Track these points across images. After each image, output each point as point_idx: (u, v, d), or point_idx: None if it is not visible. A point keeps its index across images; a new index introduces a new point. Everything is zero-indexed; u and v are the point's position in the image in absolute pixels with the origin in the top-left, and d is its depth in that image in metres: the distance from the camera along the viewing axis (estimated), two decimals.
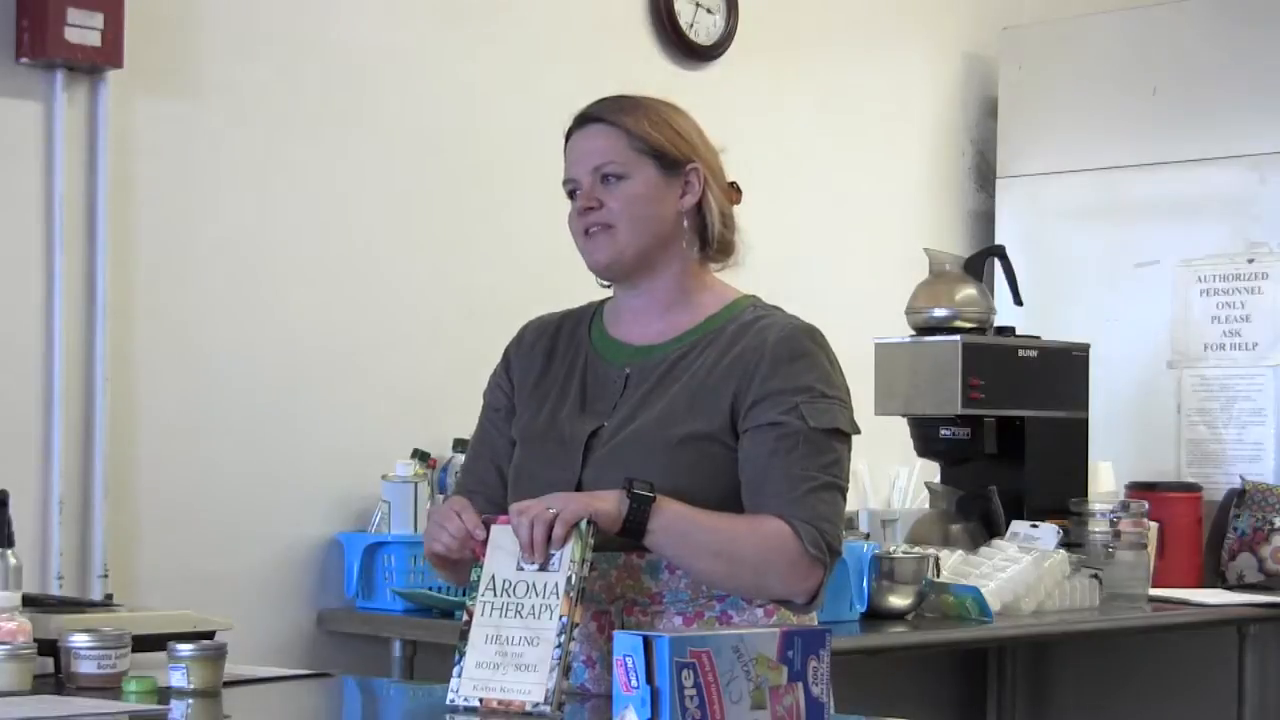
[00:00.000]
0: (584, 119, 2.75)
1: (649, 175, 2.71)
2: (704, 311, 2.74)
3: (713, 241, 2.75)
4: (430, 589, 4.12)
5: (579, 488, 2.62)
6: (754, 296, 2.78)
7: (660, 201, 2.71)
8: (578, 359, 2.77)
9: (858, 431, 2.68)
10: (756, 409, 2.62)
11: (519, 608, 2.49)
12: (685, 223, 2.73)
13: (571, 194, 2.74)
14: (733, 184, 2.79)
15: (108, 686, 2.65)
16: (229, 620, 3.01)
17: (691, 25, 4.97)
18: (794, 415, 2.60)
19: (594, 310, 2.83)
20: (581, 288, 2.85)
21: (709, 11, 5.00)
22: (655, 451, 2.62)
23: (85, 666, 2.67)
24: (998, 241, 5.42)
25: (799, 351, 2.65)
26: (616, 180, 2.70)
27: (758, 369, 2.64)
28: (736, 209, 2.80)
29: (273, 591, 4.18)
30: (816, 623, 2.74)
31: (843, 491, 2.63)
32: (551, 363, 2.78)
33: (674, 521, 2.54)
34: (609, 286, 2.79)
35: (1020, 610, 4.35)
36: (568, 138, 2.77)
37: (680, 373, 2.68)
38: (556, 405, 2.73)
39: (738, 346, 2.67)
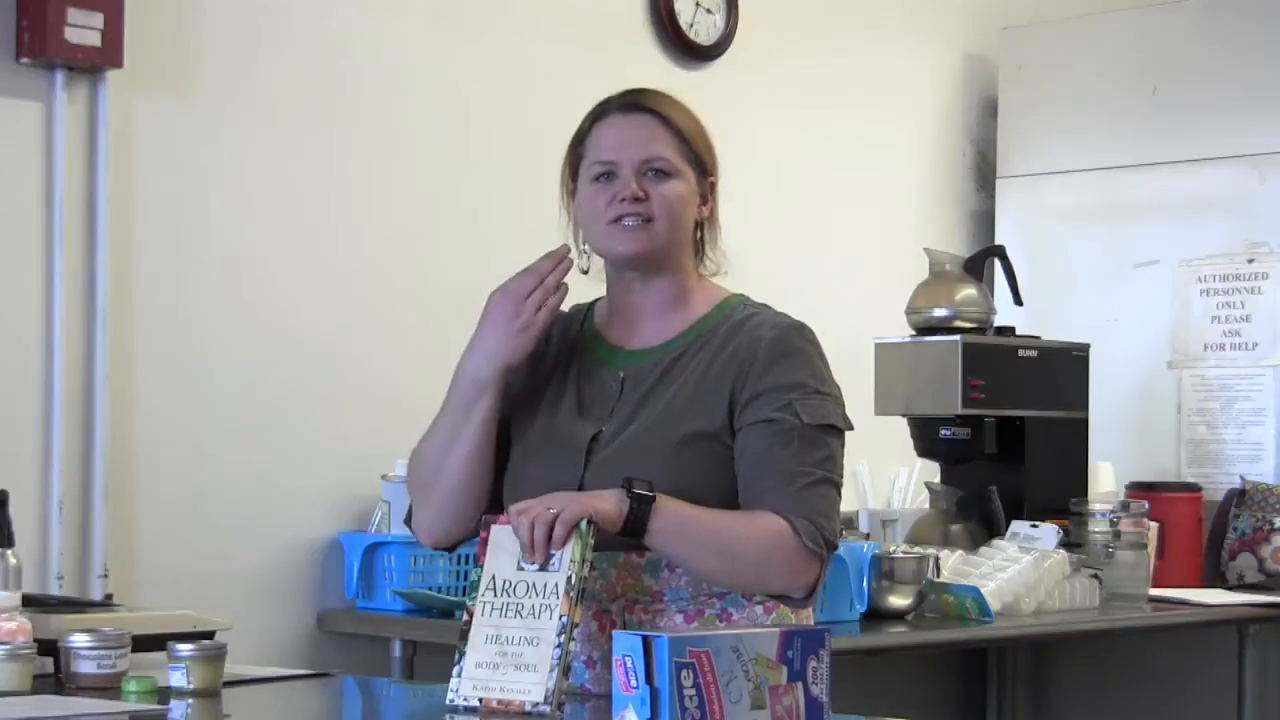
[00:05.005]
0: (632, 106, 2.72)
1: (690, 179, 2.72)
2: (696, 313, 2.74)
3: (707, 253, 2.77)
4: (430, 589, 4.12)
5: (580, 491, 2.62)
6: (743, 295, 2.79)
7: (691, 207, 2.73)
8: (570, 363, 2.77)
9: (851, 428, 2.68)
10: (751, 406, 2.63)
11: (519, 608, 2.49)
12: (698, 232, 2.75)
13: (600, 176, 2.71)
14: None
15: (108, 686, 2.65)
16: (229, 620, 3.01)
17: (691, 25, 4.96)
18: (788, 412, 2.61)
19: (583, 313, 2.83)
20: (577, 285, 2.85)
21: (709, 11, 5.00)
22: (656, 453, 2.63)
23: (85, 666, 2.67)
24: (998, 241, 5.41)
25: (791, 349, 2.66)
26: (665, 177, 2.69)
27: (752, 367, 2.65)
28: (737, 211, 2.80)
29: (273, 591, 4.17)
30: (815, 620, 2.75)
31: (838, 486, 2.64)
32: (541, 365, 2.78)
33: (674, 520, 2.55)
34: (588, 273, 2.77)
35: (1020, 610, 4.35)
36: (599, 118, 2.74)
37: (676, 375, 2.69)
38: (553, 409, 2.74)
39: (731, 345, 2.68)
